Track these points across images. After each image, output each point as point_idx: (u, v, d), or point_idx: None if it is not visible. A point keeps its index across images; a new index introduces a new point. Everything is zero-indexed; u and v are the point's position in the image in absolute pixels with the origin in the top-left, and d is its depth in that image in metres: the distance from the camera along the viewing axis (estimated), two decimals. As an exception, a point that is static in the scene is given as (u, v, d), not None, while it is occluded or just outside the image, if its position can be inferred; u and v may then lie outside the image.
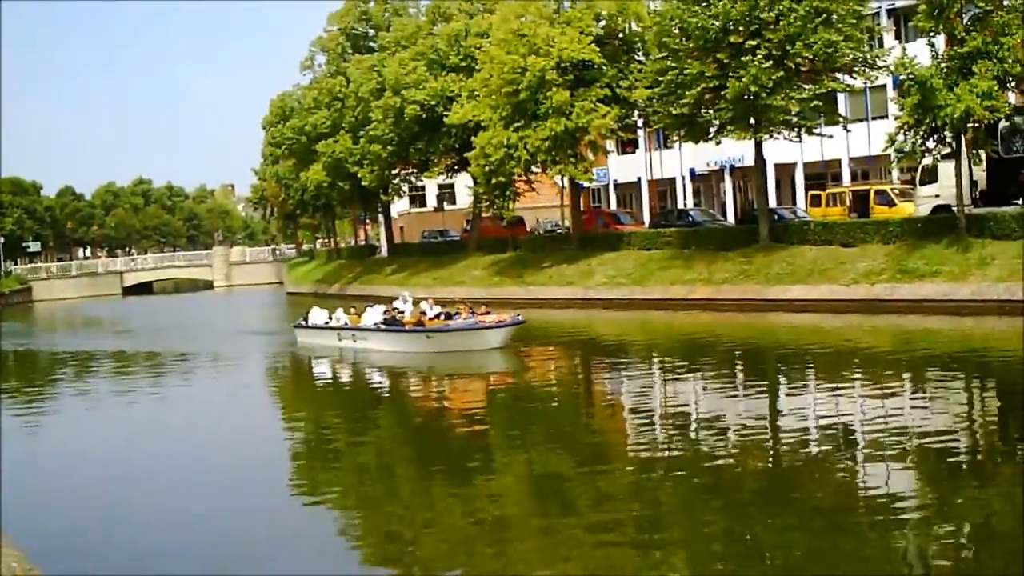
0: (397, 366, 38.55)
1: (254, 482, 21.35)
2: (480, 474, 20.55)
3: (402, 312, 42.69)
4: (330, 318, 45.63)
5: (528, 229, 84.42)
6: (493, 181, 65.43)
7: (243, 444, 25.84)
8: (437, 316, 41.16)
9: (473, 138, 65.40)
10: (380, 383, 37.56)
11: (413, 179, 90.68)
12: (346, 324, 44.25)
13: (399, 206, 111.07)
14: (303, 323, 47.51)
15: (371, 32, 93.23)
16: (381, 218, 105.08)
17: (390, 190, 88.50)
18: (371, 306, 44.95)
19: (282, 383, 40.21)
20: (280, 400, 35.75)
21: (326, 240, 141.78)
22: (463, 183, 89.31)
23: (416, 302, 43.81)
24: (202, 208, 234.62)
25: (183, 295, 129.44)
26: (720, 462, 20.32)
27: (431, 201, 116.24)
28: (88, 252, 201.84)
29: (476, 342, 39.09)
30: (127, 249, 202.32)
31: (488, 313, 40.48)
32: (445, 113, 70.45)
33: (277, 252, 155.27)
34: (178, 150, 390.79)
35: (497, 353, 38.49)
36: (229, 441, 26.38)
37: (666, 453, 21.72)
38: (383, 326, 42.12)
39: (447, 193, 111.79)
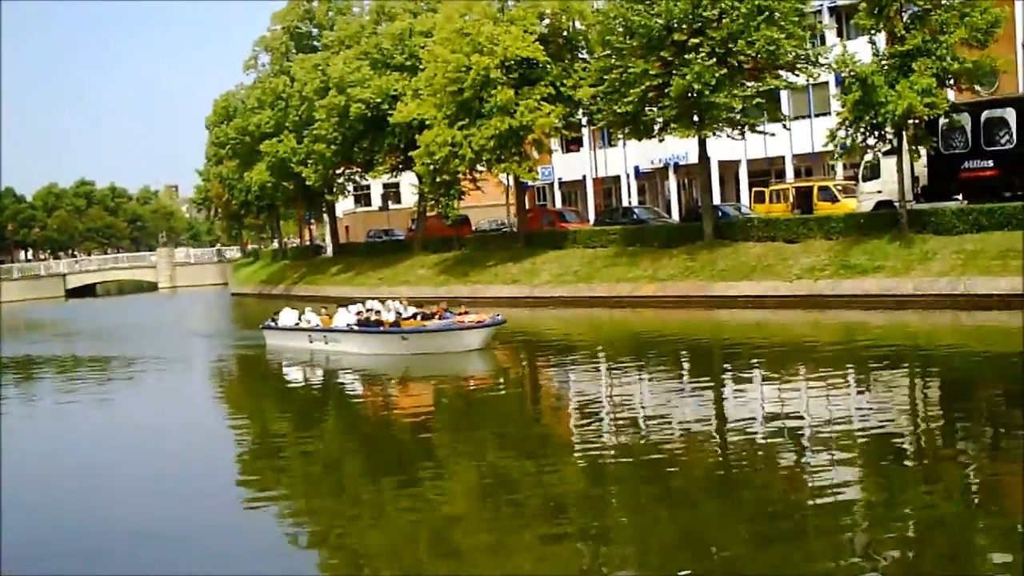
0: (370, 369, 37.46)
1: (201, 487, 21.13)
2: (429, 476, 20.46)
3: (377, 312, 41.14)
4: (300, 319, 44.29)
5: (474, 228, 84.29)
6: (438, 180, 65.32)
7: (190, 449, 25.49)
8: (412, 316, 39.73)
9: (418, 137, 65.29)
10: (347, 385, 36.61)
11: (358, 178, 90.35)
12: (317, 325, 42.96)
13: (344, 206, 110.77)
14: (271, 324, 45.93)
15: (315, 31, 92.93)
16: (326, 218, 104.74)
17: (335, 190, 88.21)
18: (344, 306, 43.41)
19: (242, 387, 39.31)
20: (234, 403, 35.00)
21: (271, 240, 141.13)
22: (408, 182, 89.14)
23: (382, 301, 42.85)
24: (146, 209, 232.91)
25: (127, 297, 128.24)
26: (668, 459, 20.36)
27: (376, 200, 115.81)
28: (30, 255, 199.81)
29: (454, 343, 37.61)
30: (70, 251, 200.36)
31: (466, 313, 39.02)
32: (390, 112, 70.29)
33: (222, 253, 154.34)
34: (121, 151, 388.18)
35: (476, 355, 37.19)
36: (176, 446, 25.95)
37: (613, 450, 21.72)
38: (356, 327, 40.59)
39: (392, 192, 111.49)
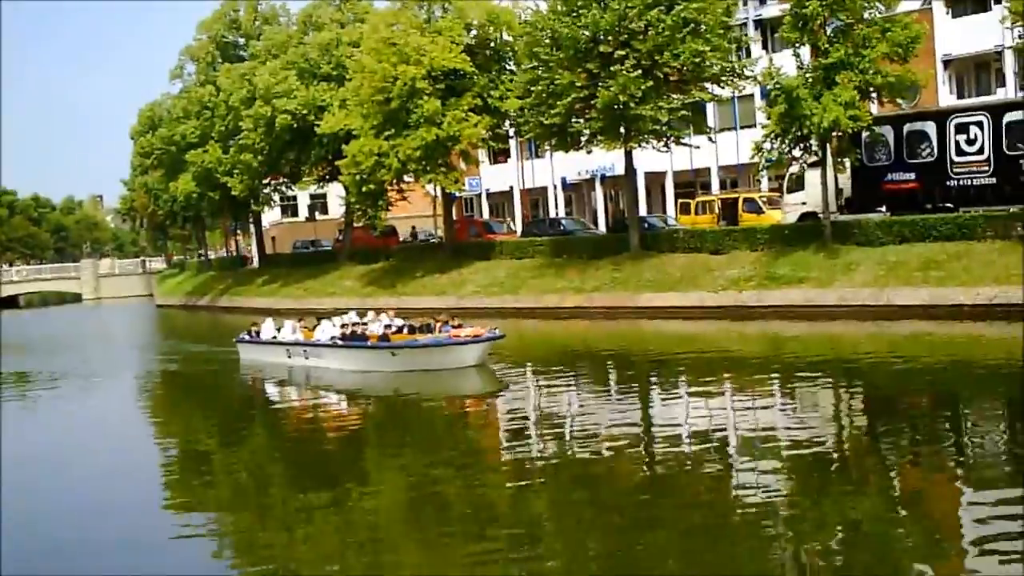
0: (356, 387, 34.82)
1: (129, 501, 20.95)
2: (356, 489, 20.35)
3: (364, 324, 38.50)
4: (278, 331, 41.72)
5: (400, 238, 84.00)
6: (364, 190, 65.02)
7: (120, 466, 25.06)
8: (400, 330, 36.71)
9: (344, 147, 65.04)
10: (321, 405, 33.73)
11: (284, 189, 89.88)
12: (297, 339, 40.07)
13: (270, 216, 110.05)
14: (246, 337, 43.16)
15: (241, 41, 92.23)
16: (252, 229, 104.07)
17: (261, 200, 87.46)
18: (326, 318, 40.92)
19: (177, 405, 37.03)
20: (172, 422, 33.49)
21: (197, 251, 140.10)
22: (335, 193, 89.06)
23: (362, 313, 40.95)
24: (70, 220, 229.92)
25: (51, 308, 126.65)
26: (595, 470, 20.42)
27: (303, 211, 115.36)
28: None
29: (449, 360, 34.42)
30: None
31: (461, 326, 35.78)
32: (316, 122, 69.98)
33: (147, 264, 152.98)
34: (44, 160, 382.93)
35: (472, 372, 34.21)
36: (112, 466, 25.49)
37: (541, 463, 21.73)
38: (340, 341, 37.61)
39: (319, 203, 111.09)
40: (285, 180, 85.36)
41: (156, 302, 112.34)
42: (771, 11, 69.56)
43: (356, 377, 35.77)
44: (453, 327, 35.63)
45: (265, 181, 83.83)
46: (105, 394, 40.32)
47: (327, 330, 38.90)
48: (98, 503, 20.78)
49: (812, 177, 49.90)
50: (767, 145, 48.15)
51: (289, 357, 39.89)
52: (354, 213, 73.69)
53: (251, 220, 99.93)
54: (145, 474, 23.45)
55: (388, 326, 37.41)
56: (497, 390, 32.89)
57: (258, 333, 42.79)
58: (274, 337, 41.52)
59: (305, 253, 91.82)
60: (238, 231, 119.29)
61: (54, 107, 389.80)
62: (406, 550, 16.68)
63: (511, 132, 68.34)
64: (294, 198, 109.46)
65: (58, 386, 41.74)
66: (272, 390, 37.46)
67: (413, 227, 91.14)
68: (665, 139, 55.87)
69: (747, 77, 53.91)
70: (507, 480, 20.31)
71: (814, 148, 47.47)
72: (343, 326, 38.58)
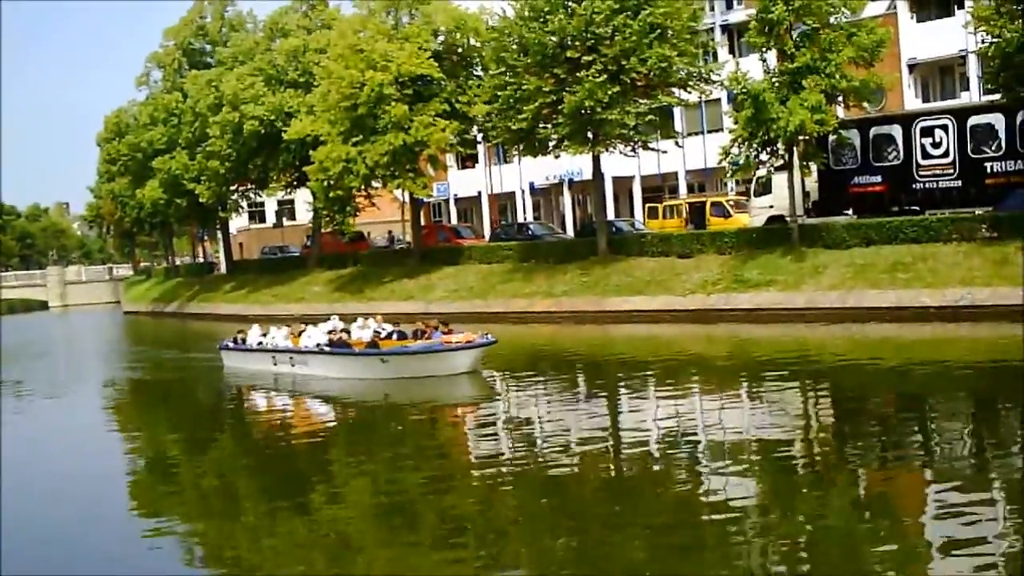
0: (343, 395, 33.72)
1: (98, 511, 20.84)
2: (323, 496, 20.32)
3: (347, 331, 37.51)
4: (263, 336, 40.78)
5: (371, 244, 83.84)
6: (332, 195, 64.91)
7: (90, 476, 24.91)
8: (389, 336, 36.41)
9: (312, 153, 64.94)
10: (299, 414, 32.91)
11: (252, 195, 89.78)
12: (284, 345, 39.07)
13: (238, 222, 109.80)
14: (229, 344, 42.04)
15: (208, 47, 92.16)
16: (220, 235, 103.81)
17: (228, 206, 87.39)
18: (312, 324, 39.78)
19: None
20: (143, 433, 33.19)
21: (164, 258, 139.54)
22: (303, 199, 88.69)
23: (348, 319, 40.04)
24: (36, 227, 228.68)
25: (17, 316, 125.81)
26: (564, 473, 20.44)
27: (270, 217, 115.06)
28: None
29: (440, 366, 33.34)
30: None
31: (451, 332, 35.08)
32: (284, 129, 69.78)
33: (114, 271, 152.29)
34: (9, 167, 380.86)
35: (464, 379, 33.25)
36: (81, 472, 25.27)
37: (510, 466, 21.71)
38: (328, 348, 36.40)
39: (287, 209, 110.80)
40: (253, 186, 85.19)
41: (123, 309, 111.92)
42: (738, 16, 69.91)
43: (344, 385, 34.66)
44: (444, 333, 34.90)
45: (232, 187, 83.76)
46: (75, 403, 39.70)
47: (314, 336, 37.88)
48: (70, 511, 20.69)
49: (779, 181, 50.17)
50: (734, 149, 48.36)
51: (275, 364, 38.86)
52: (322, 219, 73.57)
53: (218, 226, 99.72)
54: (112, 484, 23.29)
55: (378, 332, 36.89)
56: (490, 397, 32.22)
57: (243, 340, 41.66)
58: (259, 344, 40.54)
59: (273, 259, 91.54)
60: (205, 237, 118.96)
61: (18, 114, 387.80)
62: (373, 556, 16.65)
63: (479, 137, 68.34)
64: (262, 204, 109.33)
65: (31, 394, 41.42)
66: (256, 398, 36.76)
67: (390, 231, 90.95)
68: (632, 144, 56.07)
69: (714, 82, 54.14)
70: (475, 485, 20.30)
71: (781, 152, 47.70)
72: (330, 332, 37.33)
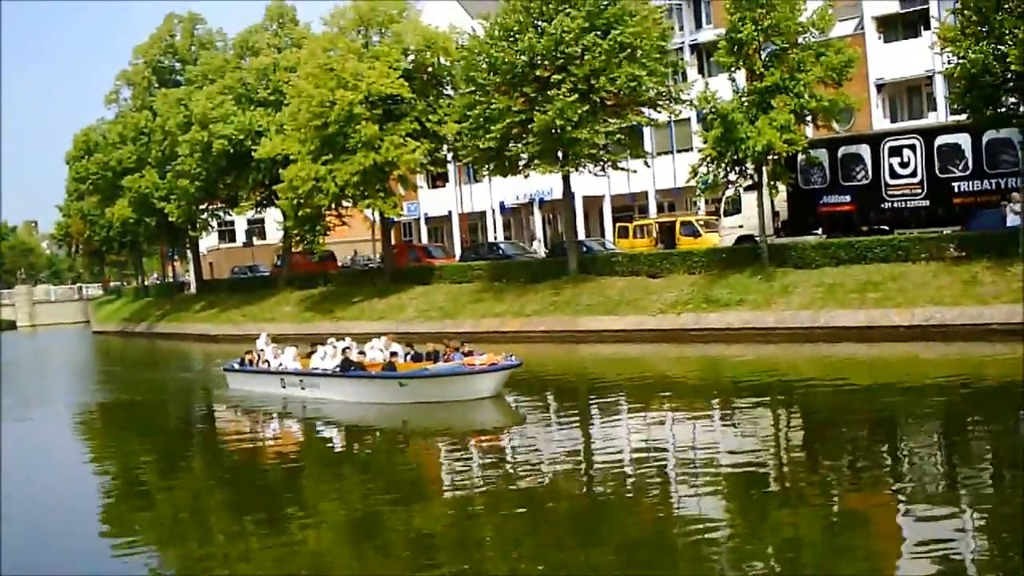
0: (357, 421, 32.06)
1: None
2: (296, 517, 20.17)
3: (362, 353, 35.72)
4: (265, 357, 38.91)
5: (340, 264, 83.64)
6: (302, 214, 64.82)
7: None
8: (405, 357, 34.39)
9: (282, 171, 64.82)
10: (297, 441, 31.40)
11: (222, 214, 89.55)
12: (295, 367, 36.96)
13: (208, 242, 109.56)
14: (235, 365, 40.12)
15: (177, 65, 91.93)
16: (190, 254, 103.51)
17: (198, 226, 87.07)
18: (323, 344, 37.18)
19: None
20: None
21: (134, 277, 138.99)
22: (273, 218, 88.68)
23: (338, 338, 37.31)
24: (3, 245, 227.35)
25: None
26: (535, 494, 20.38)
27: (241, 236, 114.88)
28: None
29: (462, 391, 31.39)
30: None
31: (471, 353, 32.59)
32: (254, 147, 69.66)
33: (83, 291, 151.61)
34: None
35: (488, 403, 31.26)
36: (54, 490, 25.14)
37: (481, 488, 21.65)
38: (341, 371, 34.27)
39: (257, 228, 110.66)
40: (222, 205, 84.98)
41: (93, 329, 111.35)
42: (707, 36, 70.12)
43: (358, 409, 32.82)
44: (464, 354, 32.60)
45: (202, 206, 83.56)
46: (54, 426, 38.27)
47: (325, 358, 35.81)
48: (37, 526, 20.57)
49: (748, 200, 50.30)
50: (703, 169, 48.57)
51: (284, 387, 36.91)
52: (292, 238, 73.46)
53: (188, 246, 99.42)
54: (83, 504, 23.11)
55: (394, 353, 34.79)
56: (515, 423, 30.08)
57: (250, 362, 39.59)
58: (267, 363, 38.55)
59: (243, 278, 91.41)
60: (175, 257, 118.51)
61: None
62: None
63: (449, 157, 68.37)
64: (232, 223, 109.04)
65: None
66: (271, 425, 34.57)
67: (355, 251, 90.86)
68: (602, 163, 56.25)
69: (683, 101, 54.33)
70: (446, 506, 20.22)
71: (750, 172, 47.86)
72: (345, 350, 35.19)
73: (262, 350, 39.89)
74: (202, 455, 30.04)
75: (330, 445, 30.17)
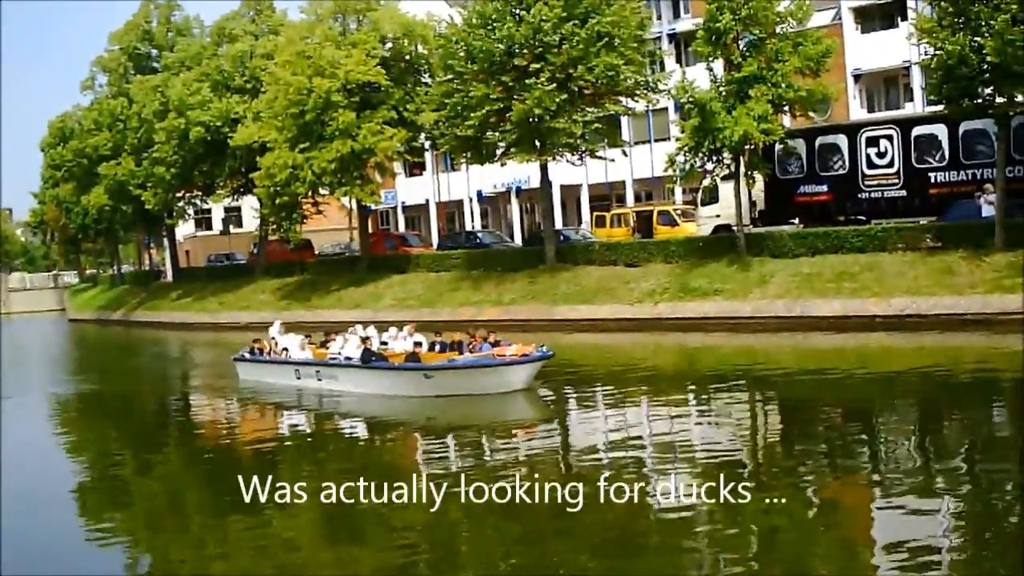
0: (379, 415, 30.35)
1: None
2: (271, 505, 20.02)
3: (384, 343, 34.41)
4: (284, 337, 37.27)
5: (317, 252, 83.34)
6: (278, 202, 64.61)
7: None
8: (431, 348, 32.73)
9: (259, 159, 64.62)
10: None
11: (198, 202, 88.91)
12: (304, 357, 35.54)
13: (184, 229, 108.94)
14: (245, 355, 38.25)
15: (154, 52, 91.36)
16: (166, 242, 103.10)
17: (175, 213, 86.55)
18: (340, 333, 35.88)
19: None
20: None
21: (110, 265, 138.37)
22: (250, 206, 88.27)
23: (381, 328, 36.19)
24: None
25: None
26: (512, 484, 20.29)
27: (217, 224, 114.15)
28: None
29: (492, 383, 29.66)
30: None
31: (499, 343, 31.27)
32: (230, 135, 69.33)
33: (59, 278, 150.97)
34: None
35: (519, 396, 29.82)
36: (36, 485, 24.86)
37: (459, 478, 21.54)
38: (360, 361, 32.33)
39: (233, 216, 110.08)
40: (199, 193, 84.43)
41: (68, 317, 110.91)
42: (685, 25, 70.21)
43: (379, 402, 31.17)
44: (492, 344, 31.29)
45: (179, 194, 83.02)
46: (30, 414, 37.58)
47: (343, 347, 34.14)
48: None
49: (725, 190, 50.35)
50: (680, 158, 48.57)
51: (299, 378, 34.87)
52: (269, 226, 73.26)
53: (164, 233, 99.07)
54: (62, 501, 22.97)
55: (418, 343, 32.68)
56: (550, 418, 28.88)
57: (260, 351, 37.75)
58: (285, 350, 36.49)
59: (220, 267, 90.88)
60: (152, 245, 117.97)
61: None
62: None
63: (427, 145, 68.24)
64: (208, 211, 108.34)
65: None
66: (292, 419, 32.32)
67: (351, 238, 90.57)
68: (580, 152, 56.23)
69: (661, 91, 54.28)
70: (423, 497, 20.12)
71: (727, 161, 47.93)
72: (364, 339, 33.84)
73: (274, 338, 38.10)
74: (221, 457, 27.31)
75: (291, 430, 29.76)
